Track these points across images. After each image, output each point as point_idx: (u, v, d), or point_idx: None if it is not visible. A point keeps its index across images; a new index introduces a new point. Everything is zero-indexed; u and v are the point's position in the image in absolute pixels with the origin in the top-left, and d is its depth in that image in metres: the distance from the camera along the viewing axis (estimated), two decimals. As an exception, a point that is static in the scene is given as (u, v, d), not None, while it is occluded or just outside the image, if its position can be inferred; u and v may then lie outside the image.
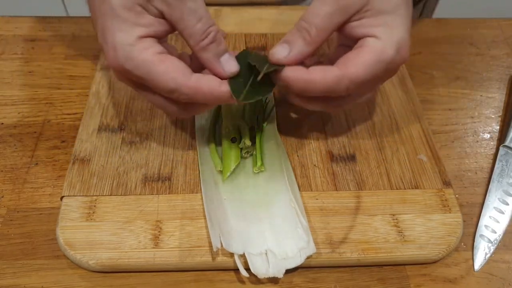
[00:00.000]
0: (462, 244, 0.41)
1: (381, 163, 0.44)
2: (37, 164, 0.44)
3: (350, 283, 0.38)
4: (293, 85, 0.36)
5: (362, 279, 0.38)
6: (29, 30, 0.58)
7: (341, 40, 0.42)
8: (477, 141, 0.49)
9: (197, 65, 0.38)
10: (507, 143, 0.47)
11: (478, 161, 0.47)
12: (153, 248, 0.38)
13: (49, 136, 0.47)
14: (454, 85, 0.54)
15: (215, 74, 0.37)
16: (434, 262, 0.39)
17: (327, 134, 0.46)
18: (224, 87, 0.35)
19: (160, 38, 0.36)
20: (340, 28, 0.38)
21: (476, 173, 0.46)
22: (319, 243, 0.38)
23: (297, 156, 0.45)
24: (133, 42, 0.34)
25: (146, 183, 0.42)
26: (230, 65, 0.37)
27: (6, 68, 0.53)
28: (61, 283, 0.37)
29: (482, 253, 0.40)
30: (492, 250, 0.40)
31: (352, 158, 0.45)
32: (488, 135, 0.49)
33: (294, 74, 0.36)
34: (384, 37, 0.36)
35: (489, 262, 0.40)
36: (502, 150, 0.47)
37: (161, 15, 0.35)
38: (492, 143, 0.49)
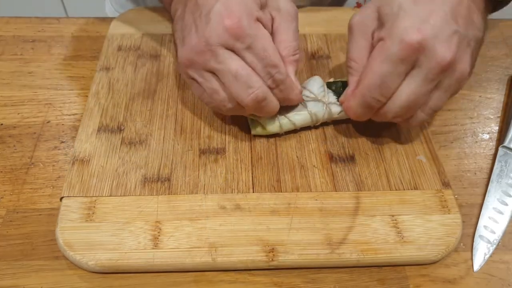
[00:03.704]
0: (462, 244, 0.41)
1: (380, 164, 0.44)
2: (36, 164, 0.44)
3: (349, 284, 0.38)
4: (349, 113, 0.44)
5: (362, 280, 0.38)
6: (29, 30, 0.58)
7: None
8: (476, 141, 0.49)
9: None
10: (506, 143, 0.47)
11: (477, 162, 0.47)
12: (153, 249, 0.38)
13: (48, 136, 0.47)
14: (453, 85, 0.54)
15: None
16: (434, 262, 0.39)
17: (326, 135, 0.47)
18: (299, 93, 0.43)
19: None
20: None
21: (475, 173, 0.46)
22: (318, 243, 0.38)
23: (297, 157, 0.45)
24: (255, 19, 0.40)
25: (146, 184, 0.42)
26: (298, 83, 0.43)
27: (5, 68, 0.53)
28: (61, 284, 0.37)
29: (481, 253, 0.40)
30: (491, 250, 0.40)
31: (351, 159, 0.45)
32: (487, 136, 0.49)
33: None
34: (385, 35, 0.39)
35: (488, 262, 0.40)
36: (501, 151, 0.47)
37: (271, 22, 0.42)
38: (491, 143, 0.49)
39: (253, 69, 0.40)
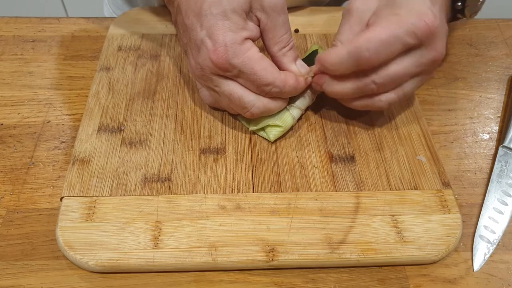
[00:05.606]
0: (462, 244, 0.41)
1: (380, 164, 0.44)
2: (36, 164, 0.44)
3: (349, 284, 0.38)
4: (325, 60, 0.41)
5: (362, 280, 0.38)
6: (29, 30, 0.58)
7: None
8: (476, 141, 0.49)
9: None
10: (506, 143, 0.47)
11: (477, 162, 0.47)
12: (153, 248, 0.38)
13: (48, 136, 0.47)
14: (453, 85, 0.54)
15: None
16: (434, 262, 0.39)
17: (326, 135, 0.47)
18: (301, 81, 0.43)
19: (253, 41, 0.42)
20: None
21: (475, 173, 0.46)
22: (319, 243, 0.38)
23: (297, 157, 0.45)
24: (241, 42, 0.40)
25: (146, 184, 0.42)
26: (302, 67, 0.44)
27: (5, 68, 0.53)
28: (61, 284, 0.37)
29: (481, 253, 0.40)
30: (491, 250, 0.40)
31: (351, 158, 0.45)
32: (487, 136, 0.49)
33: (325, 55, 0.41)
34: (401, 11, 0.39)
35: (488, 262, 0.40)
36: (501, 151, 0.47)
37: (258, 23, 0.42)
38: (491, 143, 0.49)
39: (248, 88, 0.41)
